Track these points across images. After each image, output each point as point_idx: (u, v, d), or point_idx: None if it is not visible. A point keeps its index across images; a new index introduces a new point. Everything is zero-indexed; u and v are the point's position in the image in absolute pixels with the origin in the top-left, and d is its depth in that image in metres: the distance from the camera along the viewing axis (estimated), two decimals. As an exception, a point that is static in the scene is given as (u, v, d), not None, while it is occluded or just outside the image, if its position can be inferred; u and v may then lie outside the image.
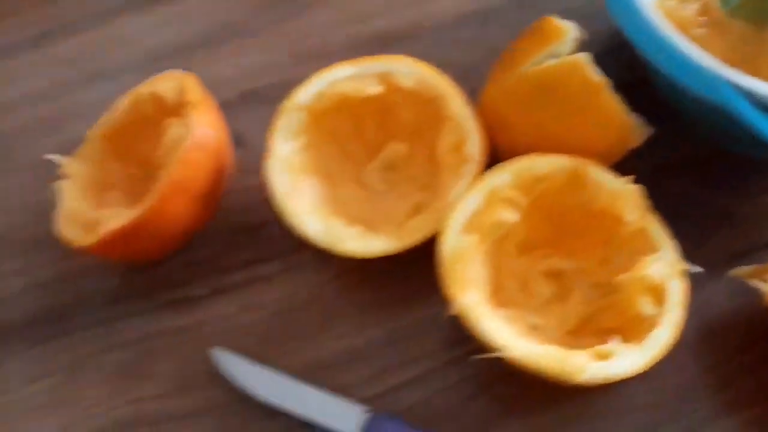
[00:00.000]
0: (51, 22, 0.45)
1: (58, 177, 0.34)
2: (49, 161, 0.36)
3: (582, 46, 0.32)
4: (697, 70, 0.29)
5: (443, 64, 0.38)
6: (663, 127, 0.33)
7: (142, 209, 0.30)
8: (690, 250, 0.30)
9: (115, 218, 0.31)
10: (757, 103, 0.28)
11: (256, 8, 0.45)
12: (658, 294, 0.27)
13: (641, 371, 0.26)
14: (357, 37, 0.43)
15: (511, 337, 0.26)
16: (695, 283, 0.30)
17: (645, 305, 0.27)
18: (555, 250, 0.31)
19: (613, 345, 0.26)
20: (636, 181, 0.30)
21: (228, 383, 0.32)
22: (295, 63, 0.42)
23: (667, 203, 0.31)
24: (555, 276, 0.31)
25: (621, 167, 0.32)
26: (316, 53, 0.42)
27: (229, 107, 0.40)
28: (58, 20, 0.45)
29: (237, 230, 0.36)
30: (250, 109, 0.40)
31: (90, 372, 0.33)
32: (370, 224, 0.32)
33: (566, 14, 0.34)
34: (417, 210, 0.32)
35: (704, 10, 0.32)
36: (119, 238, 0.31)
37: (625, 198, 0.29)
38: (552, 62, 0.30)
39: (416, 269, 0.32)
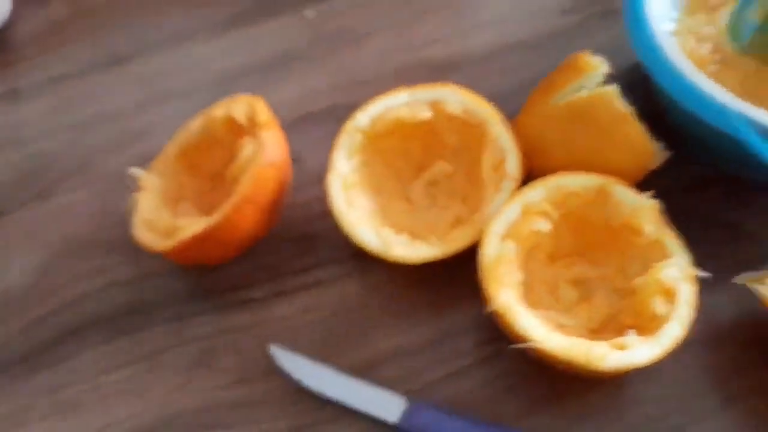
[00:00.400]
0: (127, 45, 0.55)
1: (134, 188, 0.42)
2: (124, 173, 0.45)
3: (608, 79, 0.40)
4: (711, 103, 0.36)
5: (482, 91, 0.47)
6: (677, 151, 0.41)
7: (217, 218, 0.38)
8: (700, 260, 0.37)
9: (191, 226, 0.38)
10: (764, 133, 0.36)
11: (314, 38, 0.54)
12: (669, 295, 0.34)
13: (654, 361, 0.33)
14: (405, 66, 0.52)
15: (543, 331, 0.34)
16: (705, 290, 0.37)
17: (658, 304, 0.34)
18: (580, 259, 0.39)
19: (630, 338, 0.33)
20: (654, 198, 0.38)
21: (284, 376, 0.39)
22: (347, 89, 0.50)
23: (681, 218, 0.38)
24: (579, 282, 0.38)
25: (641, 185, 0.40)
26: (367, 80, 0.51)
27: (287, 128, 0.48)
28: (134, 44, 0.55)
29: (295, 239, 0.44)
30: (305, 130, 0.48)
31: (159, 365, 0.41)
32: (415, 234, 0.39)
33: (592, 50, 0.42)
34: (458, 221, 0.40)
35: (717, 49, 0.40)
36: (195, 244, 0.38)
37: (645, 212, 0.36)
38: (584, 93, 0.38)
39: (457, 275, 0.39)
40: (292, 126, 0.49)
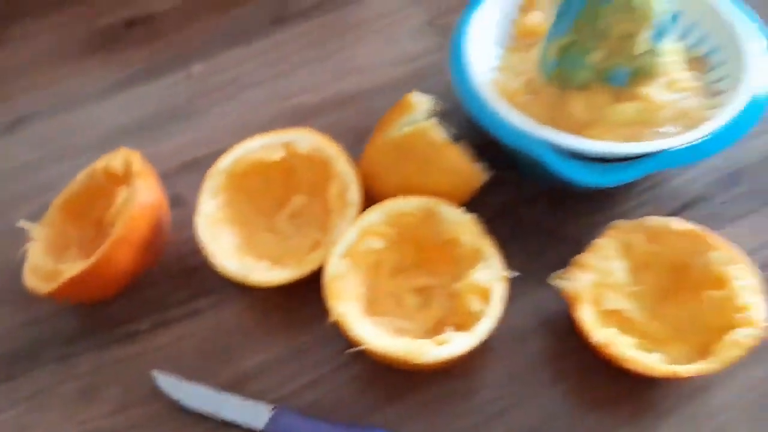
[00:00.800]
0: (23, 110, 0.59)
1: (27, 240, 0.46)
2: (19, 227, 0.49)
3: (444, 114, 0.46)
4: (513, 131, 0.42)
5: (346, 129, 0.53)
6: (508, 171, 0.47)
7: (93, 259, 0.42)
8: (528, 263, 0.43)
9: (71, 268, 0.42)
10: (561, 151, 0.41)
11: (199, 92, 0.59)
12: (484, 294, 0.39)
13: (470, 351, 0.38)
14: (279, 113, 0.57)
15: (376, 335, 0.38)
16: (534, 287, 0.43)
17: (473, 303, 0.39)
18: (420, 270, 0.43)
19: (448, 334, 0.38)
20: (488, 213, 0.44)
21: (165, 398, 0.43)
22: (227, 136, 0.54)
23: (516, 228, 0.45)
24: (421, 290, 0.43)
25: (478, 203, 0.45)
26: (245, 127, 0.55)
27: (172, 174, 0.53)
28: (29, 108, 0.59)
29: (175, 273, 0.48)
30: (189, 175, 0.53)
31: (49, 401, 0.44)
32: (279, 261, 0.44)
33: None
34: (315, 246, 0.45)
35: (530, 82, 0.46)
36: (75, 284, 0.42)
37: (464, 226, 0.41)
38: (407, 128, 0.43)
39: (316, 294, 0.44)
40: (178, 172, 0.54)
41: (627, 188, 0.49)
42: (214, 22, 0.65)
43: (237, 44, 0.63)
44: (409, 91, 0.56)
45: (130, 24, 0.67)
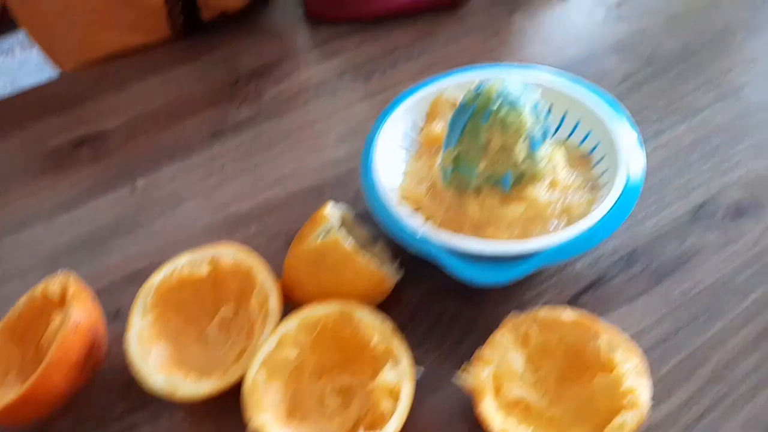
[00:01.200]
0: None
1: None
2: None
3: (363, 215, 0.48)
4: (411, 234, 0.44)
5: (275, 234, 0.55)
6: (423, 268, 0.49)
7: (27, 384, 0.42)
8: (442, 357, 0.44)
9: (5, 397, 0.43)
10: (458, 253, 0.43)
11: (140, 207, 0.61)
12: (394, 393, 0.40)
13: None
14: (215, 222, 0.59)
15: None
16: (445, 383, 0.44)
17: (384, 402, 0.40)
18: (342, 370, 0.44)
19: (360, 435, 0.39)
20: (403, 311, 0.45)
21: None
22: (166, 248, 0.56)
23: (426, 324, 0.47)
24: (343, 390, 0.44)
25: (393, 301, 0.47)
26: (183, 238, 0.58)
27: (116, 287, 0.54)
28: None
29: (114, 387, 0.48)
30: (131, 287, 0.53)
31: None
32: (208, 372, 0.45)
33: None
34: (241, 355, 0.45)
35: (433, 186, 0.49)
36: (10, 411, 0.42)
37: (375, 327, 0.43)
38: (321, 239, 0.45)
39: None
40: (121, 284, 0.55)
41: (532, 276, 0.51)
42: (158, 138, 0.68)
43: (177, 158, 0.66)
44: (334, 193, 0.59)
45: (78, 144, 0.69)
